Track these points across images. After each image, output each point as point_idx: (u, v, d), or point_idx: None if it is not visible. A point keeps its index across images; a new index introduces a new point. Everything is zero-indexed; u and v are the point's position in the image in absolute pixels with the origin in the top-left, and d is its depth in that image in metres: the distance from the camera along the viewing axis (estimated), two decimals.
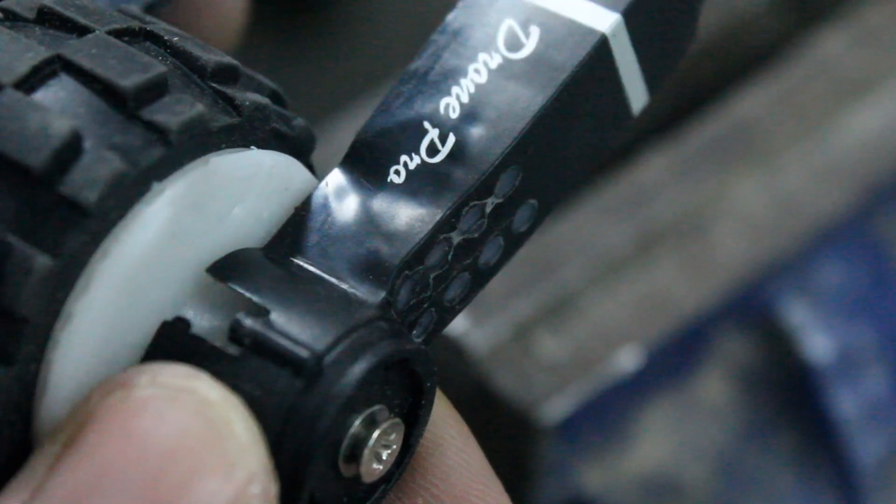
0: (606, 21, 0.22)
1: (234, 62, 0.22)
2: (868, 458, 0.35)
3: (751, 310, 0.35)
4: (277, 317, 0.20)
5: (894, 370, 0.36)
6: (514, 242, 0.23)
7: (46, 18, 0.21)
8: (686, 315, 0.34)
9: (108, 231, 0.19)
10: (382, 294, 0.21)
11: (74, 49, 0.20)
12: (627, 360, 0.33)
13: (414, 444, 0.21)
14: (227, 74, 0.21)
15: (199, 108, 0.20)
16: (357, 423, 0.20)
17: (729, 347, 0.35)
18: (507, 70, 0.22)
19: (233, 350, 0.20)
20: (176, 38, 0.22)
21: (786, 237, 0.35)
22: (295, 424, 0.19)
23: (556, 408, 0.32)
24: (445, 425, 0.23)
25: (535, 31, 0.22)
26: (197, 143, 0.20)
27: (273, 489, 0.18)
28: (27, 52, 0.20)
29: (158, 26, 0.22)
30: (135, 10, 0.23)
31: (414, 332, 0.21)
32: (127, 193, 0.19)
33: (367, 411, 0.20)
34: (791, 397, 0.36)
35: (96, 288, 0.19)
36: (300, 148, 0.22)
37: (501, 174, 0.22)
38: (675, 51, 0.24)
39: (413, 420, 0.21)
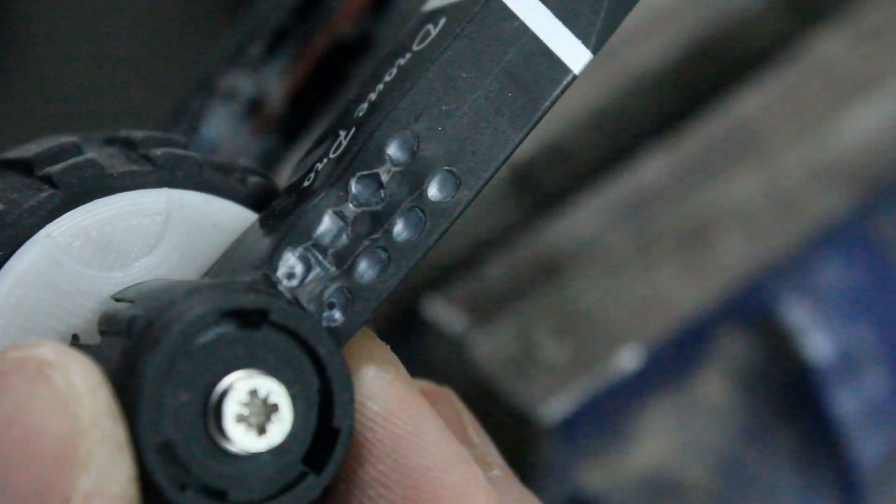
0: None
1: (168, 136, 0.24)
2: (868, 458, 0.35)
3: (751, 310, 0.35)
4: (132, 305, 0.21)
5: (895, 370, 0.36)
6: (439, 215, 0.22)
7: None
8: (686, 315, 0.34)
9: None
10: (258, 272, 0.21)
11: (12, 151, 0.23)
12: (627, 360, 0.33)
13: (342, 429, 0.21)
14: (156, 140, 0.23)
15: (90, 156, 0.22)
16: (222, 380, 0.20)
17: (729, 347, 0.35)
18: (410, 61, 0.22)
19: (96, 341, 0.21)
20: (123, 134, 0.24)
21: (786, 237, 0.35)
22: (131, 376, 0.20)
23: (556, 408, 0.32)
24: (400, 413, 0.22)
25: (441, 22, 0.22)
26: (94, 185, 0.22)
27: (120, 432, 0.19)
28: None
29: (122, 132, 0.24)
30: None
31: (330, 310, 0.21)
32: (11, 231, 0.21)
33: (236, 373, 0.20)
34: (791, 397, 0.36)
35: None
36: (255, 200, 0.23)
37: (388, 140, 0.21)
38: (612, 5, 0.23)
39: (328, 399, 0.21)
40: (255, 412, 0.20)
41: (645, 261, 0.35)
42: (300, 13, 0.28)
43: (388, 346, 0.23)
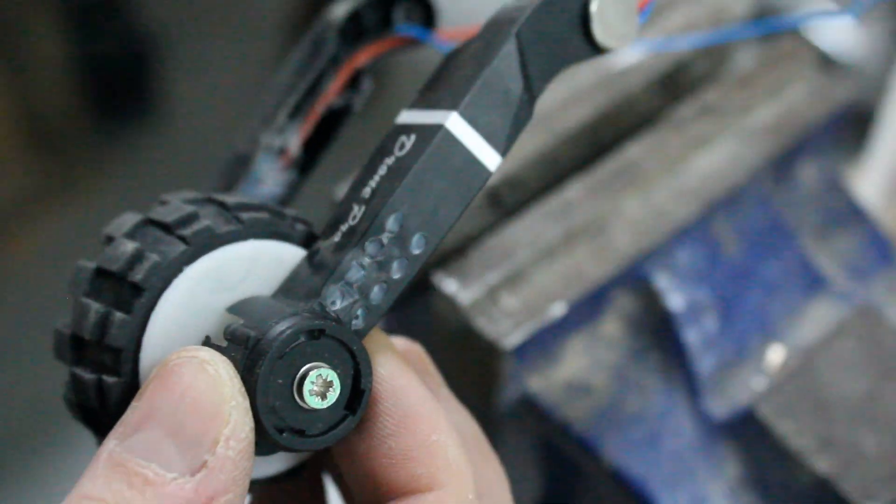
0: (444, 117, 0.23)
1: (250, 201, 0.24)
2: (705, 369, 0.37)
3: (634, 279, 0.37)
4: (245, 322, 0.22)
5: (720, 316, 0.38)
6: (415, 261, 0.23)
7: (161, 203, 0.25)
8: (594, 282, 0.36)
9: (158, 294, 0.22)
10: (315, 301, 0.22)
11: (155, 212, 0.24)
12: (557, 310, 0.35)
13: (366, 388, 0.23)
14: (243, 206, 0.24)
15: (206, 222, 0.23)
16: (301, 370, 0.22)
17: (620, 302, 0.37)
18: (395, 163, 0.23)
19: (223, 343, 0.22)
20: (220, 197, 0.24)
21: (656, 234, 0.37)
22: (249, 371, 0.21)
23: (512, 339, 0.34)
24: (394, 375, 0.24)
25: (411, 138, 0.23)
26: (210, 240, 0.23)
27: (245, 403, 0.21)
28: (134, 218, 0.24)
29: (216, 195, 0.25)
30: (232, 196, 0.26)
31: (355, 320, 0.23)
32: (165, 271, 0.23)
33: (309, 364, 0.22)
34: (658, 333, 0.38)
35: (155, 322, 0.23)
36: (302, 240, 0.24)
37: (385, 220, 0.23)
38: (513, 126, 0.24)
39: (358, 374, 0.23)
40: (320, 386, 0.22)
41: (568, 248, 0.36)
42: (307, 93, 0.29)
43: (389, 336, 0.25)
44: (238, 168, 0.28)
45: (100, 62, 1.62)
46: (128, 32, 1.67)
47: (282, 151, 0.28)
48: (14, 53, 1.40)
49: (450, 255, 0.36)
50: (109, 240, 0.24)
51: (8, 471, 1.19)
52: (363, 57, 0.29)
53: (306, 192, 0.30)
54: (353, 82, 0.30)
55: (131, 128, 1.67)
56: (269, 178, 0.28)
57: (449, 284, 0.35)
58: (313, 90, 0.29)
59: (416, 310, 0.37)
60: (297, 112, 0.29)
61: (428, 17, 0.30)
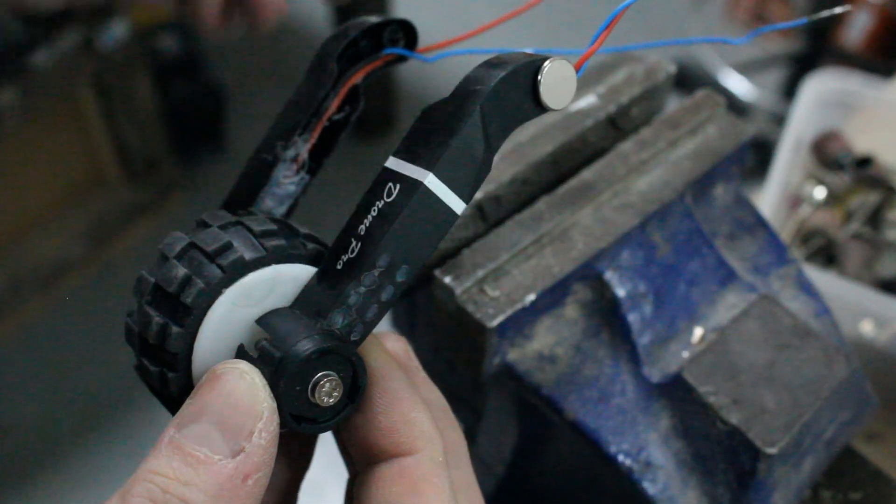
0: (423, 176, 0.22)
1: (271, 227, 0.23)
2: (644, 344, 0.37)
3: (589, 274, 0.36)
4: (272, 339, 0.22)
5: (655, 302, 0.37)
6: (400, 287, 0.23)
7: (202, 223, 0.24)
8: (557, 276, 0.35)
9: (204, 312, 0.22)
10: (324, 322, 0.22)
11: (198, 238, 0.23)
12: (529, 297, 0.34)
13: (362, 385, 0.23)
14: (266, 232, 0.23)
15: (238, 253, 0.22)
16: (314, 378, 0.22)
17: (579, 292, 0.36)
18: (384, 208, 0.22)
19: (256, 355, 0.22)
20: (247, 220, 0.23)
21: (605, 239, 0.36)
22: (275, 380, 0.21)
23: (495, 321, 0.33)
24: (383, 368, 0.24)
25: (397, 187, 0.22)
26: (241, 268, 0.22)
27: (274, 404, 0.21)
28: (182, 240, 0.23)
29: (245, 217, 0.24)
30: (257, 212, 0.25)
31: (353, 334, 0.22)
32: (209, 295, 0.22)
33: (320, 373, 0.22)
34: (608, 315, 0.37)
35: (202, 333, 0.22)
36: (312, 259, 0.24)
37: (377, 258, 0.22)
38: (475, 179, 0.23)
39: (356, 375, 0.23)
40: (328, 389, 0.22)
41: (538, 250, 0.36)
42: (314, 113, 0.28)
43: (378, 338, 0.24)
44: (261, 174, 0.27)
45: (182, 108, 1.63)
46: (204, 85, 1.67)
47: (294, 159, 0.28)
48: (117, 102, 1.41)
49: (447, 257, 0.36)
50: (164, 258, 0.23)
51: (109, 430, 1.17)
52: (359, 75, 0.28)
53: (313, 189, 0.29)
54: (350, 98, 0.28)
55: (205, 159, 1.69)
56: (285, 181, 0.27)
57: (447, 278, 0.34)
58: (318, 110, 0.28)
59: (422, 298, 0.37)
60: (305, 129, 0.28)
61: (410, 37, 0.28)
